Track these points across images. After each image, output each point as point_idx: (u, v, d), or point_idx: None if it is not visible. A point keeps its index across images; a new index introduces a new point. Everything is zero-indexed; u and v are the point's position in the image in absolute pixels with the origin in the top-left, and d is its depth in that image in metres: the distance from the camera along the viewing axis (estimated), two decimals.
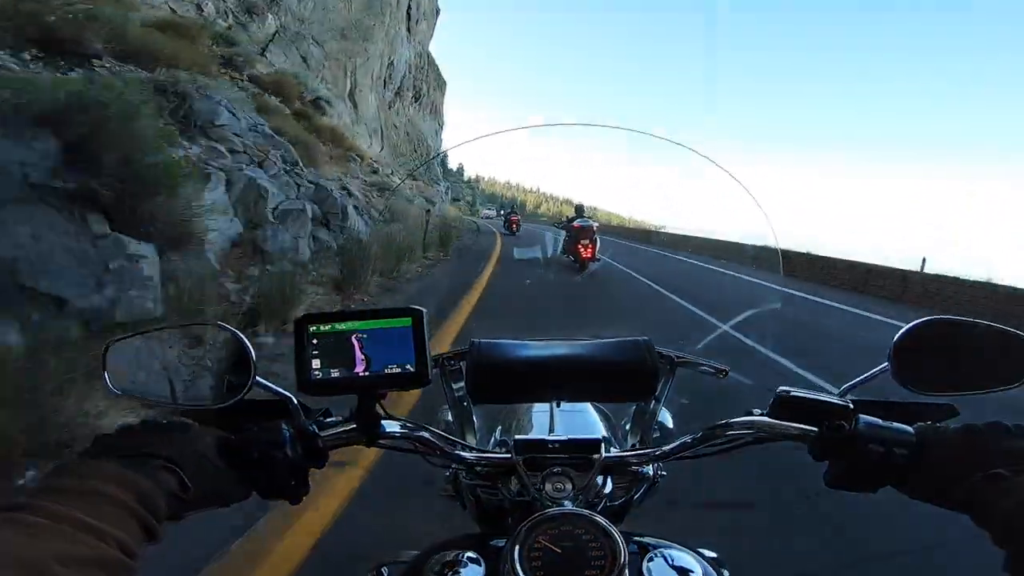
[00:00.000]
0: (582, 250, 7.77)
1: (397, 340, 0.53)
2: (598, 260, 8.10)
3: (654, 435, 0.84)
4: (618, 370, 0.71)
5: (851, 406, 0.54)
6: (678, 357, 0.80)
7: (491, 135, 1.05)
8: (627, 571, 0.47)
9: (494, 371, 0.71)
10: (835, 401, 0.55)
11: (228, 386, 0.52)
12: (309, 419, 0.54)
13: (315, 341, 0.53)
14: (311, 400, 0.55)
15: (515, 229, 19.03)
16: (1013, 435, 0.44)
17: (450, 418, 0.87)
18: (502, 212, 16.08)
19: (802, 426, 0.55)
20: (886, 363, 0.55)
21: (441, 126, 50.29)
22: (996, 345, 0.55)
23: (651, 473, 0.77)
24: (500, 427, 0.94)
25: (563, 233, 8.01)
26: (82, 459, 0.41)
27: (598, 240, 8.12)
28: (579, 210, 9.10)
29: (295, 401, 0.54)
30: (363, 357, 0.53)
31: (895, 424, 0.49)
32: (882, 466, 0.47)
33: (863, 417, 0.50)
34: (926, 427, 0.49)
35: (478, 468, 0.66)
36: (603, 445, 0.63)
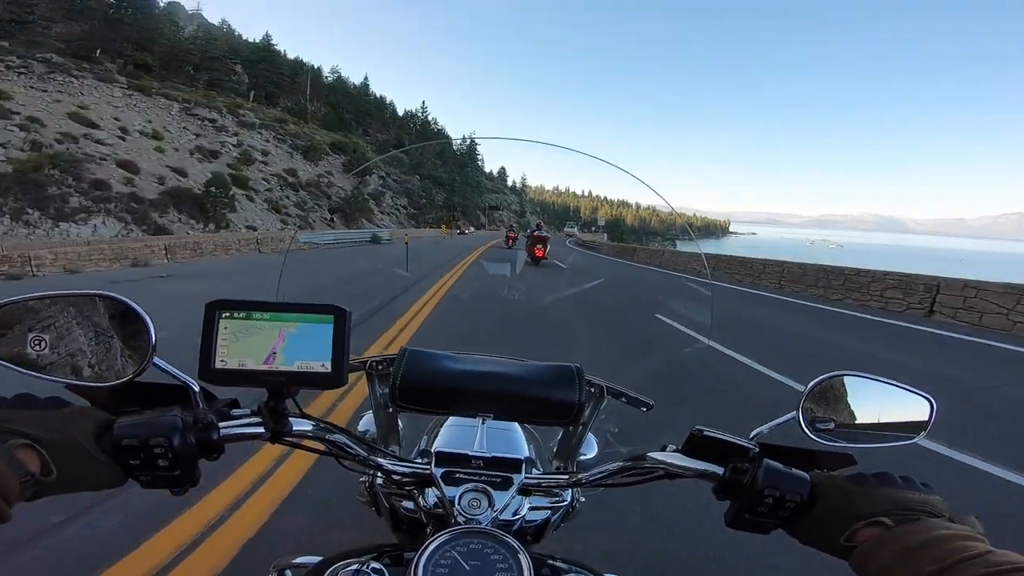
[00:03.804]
0: (537, 251, 14.75)
1: (315, 338, 0.50)
2: (546, 259, 14.99)
3: (579, 458, 0.84)
4: (544, 394, 0.71)
5: (756, 449, 0.54)
6: (608, 387, 0.80)
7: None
8: None
9: (420, 380, 0.71)
10: (742, 444, 0.55)
11: (123, 366, 0.48)
12: (210, 408, 0.51)
13: (225, 328, 0.50)
14: (222, 390, 0.52)
15: (511, 244, 22.18)
16: (899, 485, 0.46)
17: (373, 423, 0.85)
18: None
19: (710, 466, 0.56)
20: (795, 411, 0.56)
21: None
22: (898, 401, 0.59)
23: (570, 498, 0.78)
24: (425, 437, 0.94)
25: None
26: None
27: (549, 245, 15.18)
28: (539, 226, 16.40)
29: (196, 387, 0.51)
30: (275, 351, 0.50)
31: (793, 471, 0.51)
32: (775, 510, 0.49)
33: (767, 462, 0.51)
34: (821, 475, 0.51)
35: (395, 476, 0.64)
36: (524, 466, 0.64)
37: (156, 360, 0.47)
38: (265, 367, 0.50)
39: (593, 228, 74.57)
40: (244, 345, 0.50)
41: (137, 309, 0.48)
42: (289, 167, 38.95)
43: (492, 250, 20.83)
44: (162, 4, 57.78)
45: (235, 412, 0.53)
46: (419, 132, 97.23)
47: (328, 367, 0.50)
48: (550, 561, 0.55)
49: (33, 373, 0.47)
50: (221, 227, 24.17)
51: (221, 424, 0.50)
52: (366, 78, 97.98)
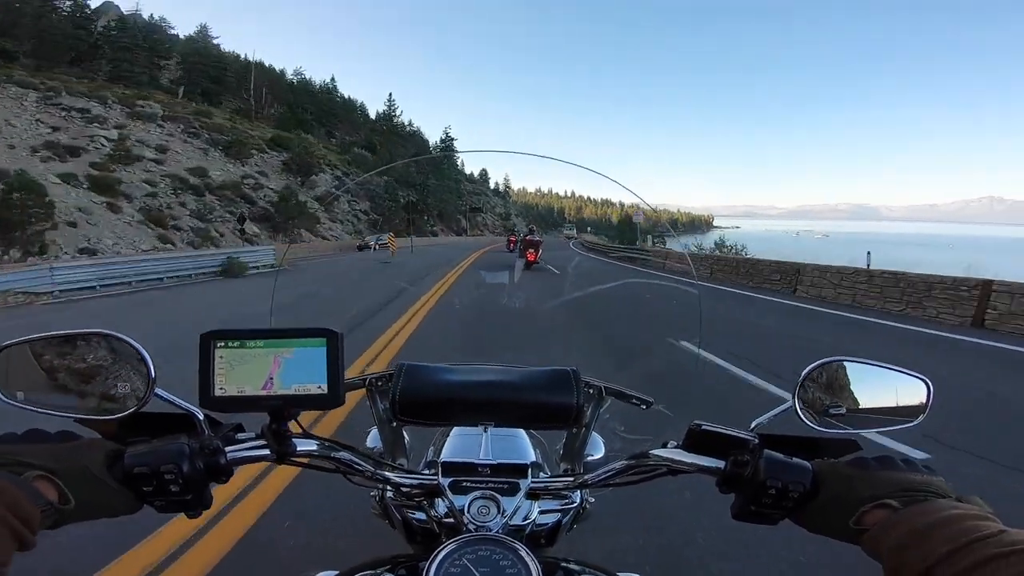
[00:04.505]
0: (529, 255, 15.44)
1: (310, 361, 0.52)
2: (539, 262, 15.36)
3: (586, 459, 0.85)
4: (541, 398, 0.71)
5: (756, 441, 0.54)
6: (606, 387, 0.80)
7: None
8: None
9: (419, 394, 0.72)
10: (742, 436, 0.54)
11: (127, 398, 0.50)
12: (217, 433, 0.52)
13: (221, 357, 0.52)
14: (226, 416, 0.54)
15: (512, 248, 22.70)
16: (901, 468, 0.46)
17: (379, 438, 0.86)
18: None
19: (711, 459, 0.55)
20: (791, 400, 0.55)
21: None
22: (894, 384, 0.58)
23: (579, 499, 0.78)
24: (432, 448, 0.95)
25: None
26: None
27: (541, 248, 16.04)
28: (531, 230, 18.37)
29: (200, 415, 0.52)
30: (272, 376, 0.52)
31: (795, 460, 0.50)
32: (779, 500, 0.49)
33: (767, 452, 0.51)
34: (823, 462, 0.50)
35: (404, 489, 0.65)
36: (530, 470, 0.65)
37: (158, 391, 0.49)
38: (263, 392, 0.51)
39: (603, 237, 62.83)
40: (241, 372, 0.51)
41: (135, 345, 0.50)
42: (198, 166, 30.65)
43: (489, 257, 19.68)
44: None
45: (240, 436, 0.54)
46: (390, 132, 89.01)
47: (324, 388, 0.52)
48: (563, 564, 0.56)
49: (42, 410, 0.49)
50: (32, 252, 16.02)
51: (228, 448, 0.51)
52: (333, 78, 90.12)
